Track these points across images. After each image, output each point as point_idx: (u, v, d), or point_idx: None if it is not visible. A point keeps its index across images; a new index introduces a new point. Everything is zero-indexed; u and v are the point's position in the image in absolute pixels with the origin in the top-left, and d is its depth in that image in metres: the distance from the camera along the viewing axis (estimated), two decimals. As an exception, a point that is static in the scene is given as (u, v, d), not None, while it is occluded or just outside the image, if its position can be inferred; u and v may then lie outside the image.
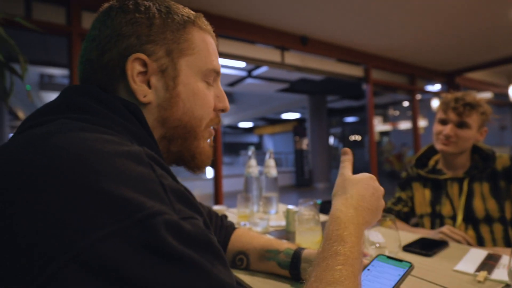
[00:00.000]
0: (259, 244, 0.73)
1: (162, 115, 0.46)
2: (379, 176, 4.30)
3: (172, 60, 0.45)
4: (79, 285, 0.26)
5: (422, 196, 1.27)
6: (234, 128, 18.23)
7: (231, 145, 19.64)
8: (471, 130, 1.14)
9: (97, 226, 0.27)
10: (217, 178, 2.95)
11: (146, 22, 0.43)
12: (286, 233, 1.09)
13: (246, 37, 3.15)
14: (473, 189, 1.15)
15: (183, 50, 0.46)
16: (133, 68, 0.43)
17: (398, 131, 10.66)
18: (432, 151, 1.32)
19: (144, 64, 0.43)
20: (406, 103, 9.24)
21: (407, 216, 1.33)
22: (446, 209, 1.18)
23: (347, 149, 0.57)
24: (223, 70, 5.25)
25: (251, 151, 1.52)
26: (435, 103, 5.52)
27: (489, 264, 0.76)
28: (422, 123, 6.39)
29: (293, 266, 0.67)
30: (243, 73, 5.71)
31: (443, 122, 1.19)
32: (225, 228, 0.77)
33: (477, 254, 0.83)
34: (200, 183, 7.82)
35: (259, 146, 19.14)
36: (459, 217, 1.14)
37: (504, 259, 0.78)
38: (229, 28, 3.00)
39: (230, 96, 9.72)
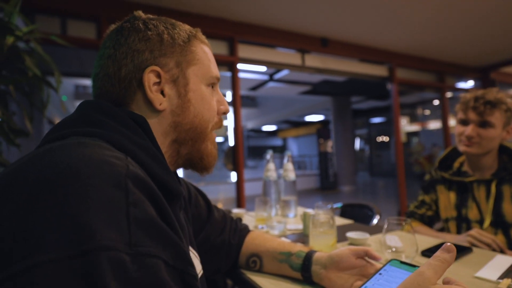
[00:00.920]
0: (272, 246, 0.75)
1: (175, 120, 0.51)
2: (407, 179, 4.16)
3: (181, 70, 0.51)
4: None
5: (447, 199, 1.22)
6: (257, 131, 18.31)
7: (255, 149, 19.72)
8: (494, 129, 1.08)
9: (40, 250, 0.27)
10: (239, 182, 2.99)
11: (157, 38, 0.49)
12: (303, 236, 1.10)
13: (266, 41, 3.18)
14: (502, 191, 1.09)
15: (190, 60, 0.52)
16: (149, 79, 0.48)
17: (428, 131, 10.18)
18: (456, 152, 1.27)
19: (158, 75, 0.49)
20: (436, 102, 8.83)
21: (431, 220, 1.29)
22: (472, 213, 1.13)
23: (451, 247, 0.40)
24: (244, 75, 5.34)
25: (269, 154, 1.54)
26: (467, 101, 5.22)
27: (514, 271, 0.72)
28: (454, 122, 6.09)
29: (305, 268, 0.68)
30: (265, 77, 5.75)
31: (464, 122, 1.14)
32: (239, 231, 0.79)
33: (503, 261, 0.79)
34: (224, 187, 7.93)
35: (283, 149, 19.06)
36: (487, 221, 1.08)
37: (531, 266, 0.74)
38: (249, 34, 3.05)
39: (253, 100, 9.80)
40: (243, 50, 3.07)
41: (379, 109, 10.97)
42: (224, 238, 0.75)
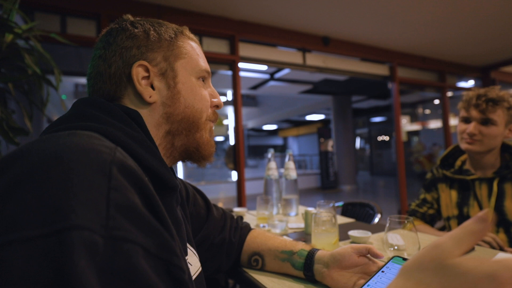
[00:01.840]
0: (273, 245, 0.74)
1: (167, 111, 0.52)
2: (408, 178, 4.16)
3: (169, 64, 0.52)
4: None
5: (448, 197, 1.22)
6: (258, 130, 18.31)
7: (256, 148, 19.72)
8: (497, 127, 1.08)
9: (15, 228, 0.27)
10: (240, 181, 2.99)
11: (143, 35, 0.51)
12: (305, 235, 1.09)
13: (267, 40, 3.17)
14: (504, 190, 1.09)
15: (177, 54, 0.53)
16: (138, 73, 0.50)
17: (429, 131, 10.17)
18: (458, 151, 1.26)
19: (147, 69, 0.50)
20: (437, 101, 8.82)
21: (432, 218, 1.28)
22: (474, 211, 1.13)
23: (485, 216, 0.29)
24: (245, 74, 5.33)
25: (270, 153, 1.53)
26: (468, 100, 5.21)
27: (517, 269, 0.72)
28: (454, 121, 6.07)
29: (307, 267, 0.67)
30: (266, 76, 5.74)
31: (466, 120, 1.13)
32: (240, 229, 0.79)
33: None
34: (224, 186, 7.94)
35: (283, 149, 19.05)
36: (489, 219, 1.08)
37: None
38: (250, 32, 3.04)
39: (253, 99, 9.80)
40: (244, 49, 3.06)
41: (379, 108, 10.95)
42: (224, 237, 0.75)
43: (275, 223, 1.14)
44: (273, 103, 9.82)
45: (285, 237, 1.01)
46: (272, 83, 6.23)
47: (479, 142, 1.09)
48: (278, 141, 20.33)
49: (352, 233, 0.97)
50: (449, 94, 4.74)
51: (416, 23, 3.21)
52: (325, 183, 8.65)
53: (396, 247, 0.78)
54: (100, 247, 0.28)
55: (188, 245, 0.55)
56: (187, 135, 0.54)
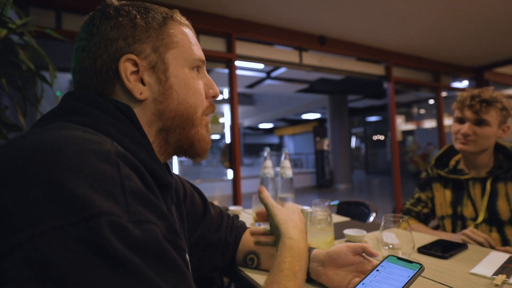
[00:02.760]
0: (269, 243, 0.75)
1: (159, 108, 0.48)
2: (402, 177, 4.19)
3: (159, 56, 0.48)
4: (17, 277, 0.26)
5: (442, 197, 1.23)
6: (254, 129, 18.30)
7: (252, 146, 19.72)
8: (490, 128, 1.09)
9: (41, 220, 0.27)
10: (235, 180, 2.99)
11: (129, 24, 0.46)
12: (300, 234, 1.10)
13: (264, 39, 3.17)
14: (497, 189, 1.10)
15: (168, 44, 0.49)
16: (126, 68, 0.45)
17: (423, 130, 10.25)
18: (453, 150, 1.28)
19: (135, 64, 0.46)
20: (432, 101, 8.89)
21: (427, 218, 1.29)
22: (468, 210, 1.14)
23: (261, 187, 0.71)
24: (241, 72, 5.32)
25: (266, 152, 1.53)
26: (462, 100, 5.26)
27: (509, 267, 0.73)
28: (449, 121, 6.14)
29: (302, 265, 0.68)
30: (262, 75, 5.74)
31: (460, 120, 1.14)
32: (236, 228, 0.79)
33: (497, 257, 0.80)
34: (220, 184, 7.93)
35: (279, 147, 19.08)
36: (480, 217, 1.09)
37: (526, 263, 0.74)
38: (247, 31, 3.03)
39: (250, 98, 9.79)
40: (240, 47, 3.06)
41: (375, 107, 11.01)
42: (220, 236, 0.74)
43: (271, 221, 1.14)
44: (269, 102, 9.82)
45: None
46: (268, 81, 6.23)
47: (473, 143, 1.11)
48: (274, 139, 20.34)
49: (347, 232, 0.98)
50: (444, 94, 4.78)
51: (411, 23, 3.23)
52: (320, 182, 8.68)
53: (391, 246, 0.78)
54: (130, 228, 0.30)
55: None
56: (181, 132, 0.51)
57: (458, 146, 1.15)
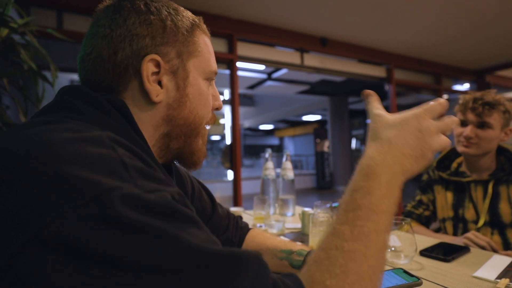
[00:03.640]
0: (272, 244, 0.74)
1: (170, 114, 0.48)
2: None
3: (182, 62, 0.47)
4: (41, 263, 0.26)
5: (444, 199, 1.23)
6: (254, 130, 18.31)
7: (252, 148, 19.72)
8: (493, 130, 1.09)
9: (53, 206, 0.27)
10: (236, 181, 2.98)
11: (160, 24, 0.45)
12: (302, 235, 1.09)
13: (265, 40, 3.17)
14: (499, 192, 1.10)
15: (191, 52, 0.49)
16: (148, 68, 0.44)
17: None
18: (455, 153, 1.27)
19: (158, 65, 0.45)
20: (432, 104, 8.88)
21: (428, 220, 1.29)
22: (469, 213, 1.14)
23: (369, 91, 0.49)
24: (242, 73, 5.32)
25: (268, 153, 1.53)
26: (463, 103, 5.27)
27: (512, 271, 0.72)
28: (450, 124, 6.15)
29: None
30: (263, 76, 5.74)
31: (463, 123, 1.14)
32: (240, 229, 0.78)
33: (500, 261, 0.80)
34: (220, 185, 7.92)
35: (279, 149, 19.08)
36: (481, 220, 1.09)
37: (529, 267, 0.74)
38: (248, 32, 3.04)
39: (250, 99, 9.79)
40: (242, 48, 3.06)
41: (375, 110, 11.00)
42: (228, 236, 0.74)
43: (272, 223, 1.13)
44: (270, 103, 9.82)
45: (282, 237, 1.01)
46: (269, 83, 6.23)
47: (476, 145, 1.10)
48: (274, 141, 20.34)
49: None
50: (445, 97, 4.78)
51: (413, 25, 3.23)
52: (320, 184, 8.67)
53: (393, 248, 0.78)
54: (144, 197, 0.30)
55: None
56: (185, 140, 0.50)
57: (460, 148, 1.15)
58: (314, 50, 3.47)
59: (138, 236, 0.28)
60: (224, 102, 7.09)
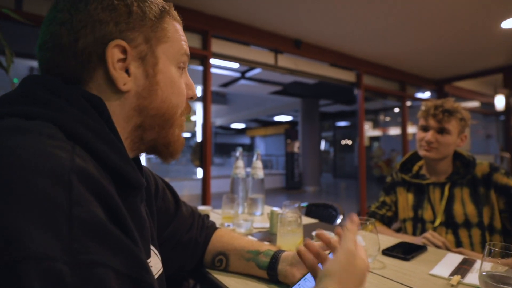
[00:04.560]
0: (240, 244, 0.73)
1: (140, 104, 0.45)
2: (367, 181, 4.37)
3: (150, 47, 0.45)
4: None
5: (405, 200, 1.29)
6: (226, 129, 18.19)
7: (223, 146, 19.59)
8: (451, 136, 1.17)
9: None
10: (205, 179, 2.94)
11: (124, 9, 0.42)
12: (270, 235, 1.10)
13: (240, 38, 3.15)
14: (454, 194, 1.17)
15: (160, 38, 0.46)
16: (114, 54, 0.41)
17: (388, 137, 10.79)
18: (416, 157, 1.34)
19: (124, 51, 0.42)
20: (397, 109, 9.38)
21: (390, 221, 1.35)
22: (427, 214, 1.20)
23: (354, 217, 0.51)
24: (216, 71, 5.26)
25: (238, 152, 1.52)
26: (424, 110, 5.60)
27: (463, 268, 0.78)
28: (412, 129, 6.53)
29: (271, 266, 0.67)
30: (237, 74, 5.71)
31: (425, 128, 1.22)
32: (206, 228, 0.76)
33: (453, 259, 0.85)
34: (189, 183, 7.78)
35: (250, 148, 19.13)
36: (438, 221, 1.16)
37: (478, 264, 0.80)
38: (223, 29, 3.00)
39: (223, 97, 9.71)
40: (216, 45, 3.02)
41: (345, 113, 11.40)
42: (191, 236, 0.72)
43: (240, 222, 1.13)
44: (243, 102, 9.81)
45: (249, 237, 1.01)
46: (242, 81, 6.22)
47: (436, 150, 1.18)
48: (246, 140, 20.36)
49: (316, 233, 0.99)
50: (408, 103, 5.06)
51: (382, 35, 3.38)
52: (289, 184, 8.82)
53: (357, 248, 0.80)
54: (67, 277, 0.25)
55: (151, 246, 0.52)
56: (159, 131, 0.48)
57: (422, 152, 1.21)
58: (288, 52, 3.51)
59: None
60: (197, 99, 6.96)
